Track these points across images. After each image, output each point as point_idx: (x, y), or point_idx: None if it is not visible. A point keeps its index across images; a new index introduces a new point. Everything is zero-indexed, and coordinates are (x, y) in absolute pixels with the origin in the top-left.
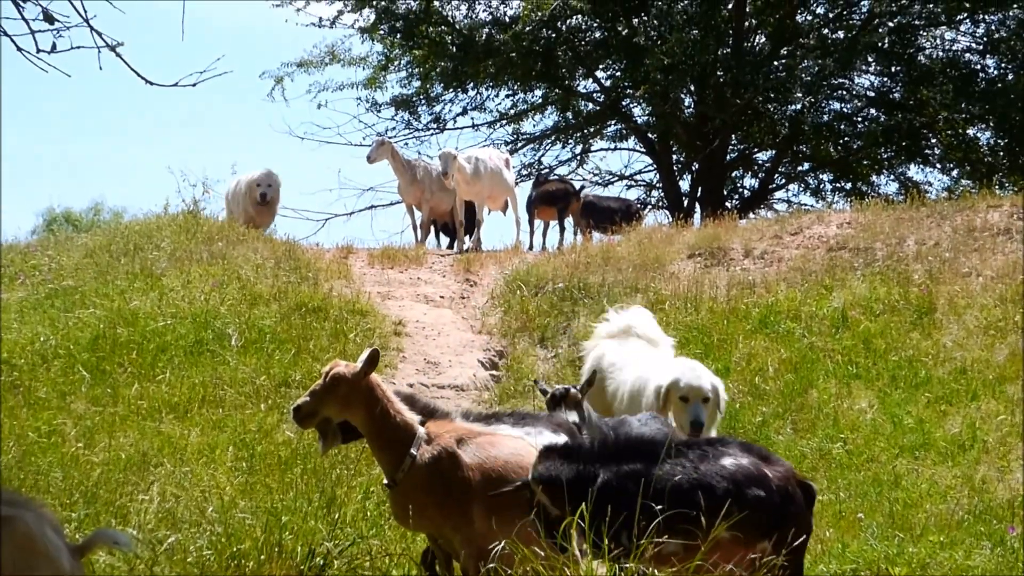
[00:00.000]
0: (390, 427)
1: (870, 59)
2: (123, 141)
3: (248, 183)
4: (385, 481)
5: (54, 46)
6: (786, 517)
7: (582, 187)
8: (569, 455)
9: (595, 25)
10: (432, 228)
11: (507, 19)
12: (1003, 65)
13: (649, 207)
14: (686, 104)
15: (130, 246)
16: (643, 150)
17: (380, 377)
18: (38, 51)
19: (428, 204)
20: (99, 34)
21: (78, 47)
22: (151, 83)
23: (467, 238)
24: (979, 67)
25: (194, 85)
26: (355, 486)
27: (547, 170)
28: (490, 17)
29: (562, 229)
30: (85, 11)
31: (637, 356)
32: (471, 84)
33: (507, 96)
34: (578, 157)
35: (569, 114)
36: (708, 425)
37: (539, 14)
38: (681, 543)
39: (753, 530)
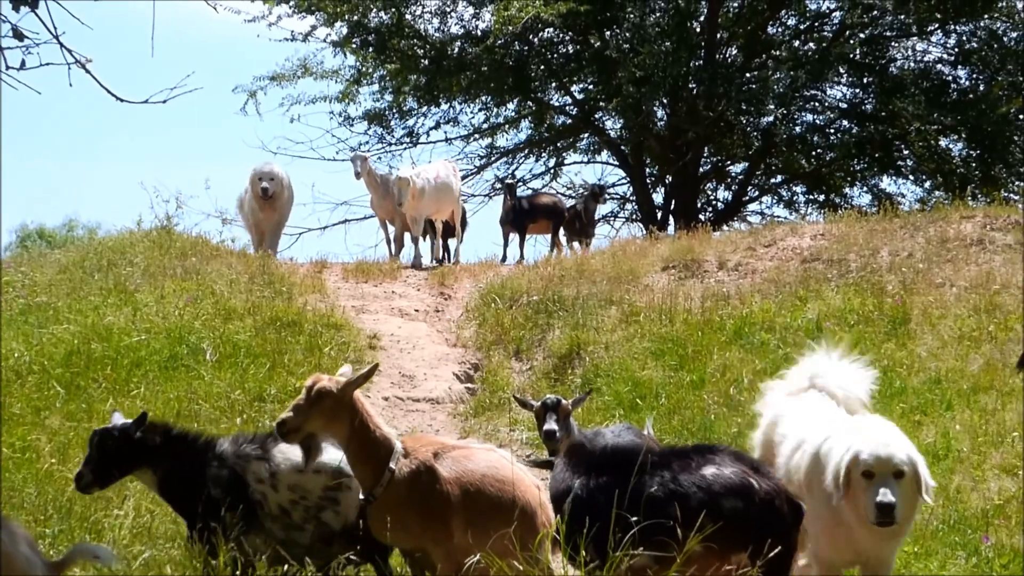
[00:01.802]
0: (370, 442)
1: (842, 71)
2: (96, 157)
3: (251, 177)
4: (361, 496)
5: (23, 63)
6: (768, 530)
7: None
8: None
9: (567, 38)
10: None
11: (479, 33)
12: (975, 76)
13: (605, 196)
14: (659, 117)
15: (103, 262)
16: (616, 163)
17: (358, 392)
18: (7, 68)
19: (400, 218)
20: (69, 51)
21: (48, 64)
22: (121, 100)
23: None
24: (951, 78)
25: (164, 102)
26: None
27: (516, 182)
28: (462, 31)
29: (556, 243)
30: (55, 27)
31: (817, 419)
32: (444, 98)
33: (480, 110)
34: (551, 170)
35: (542, 127)
36: (903, 508)
37: (511, 27)
38: (655, 555)
39: (729, 542)
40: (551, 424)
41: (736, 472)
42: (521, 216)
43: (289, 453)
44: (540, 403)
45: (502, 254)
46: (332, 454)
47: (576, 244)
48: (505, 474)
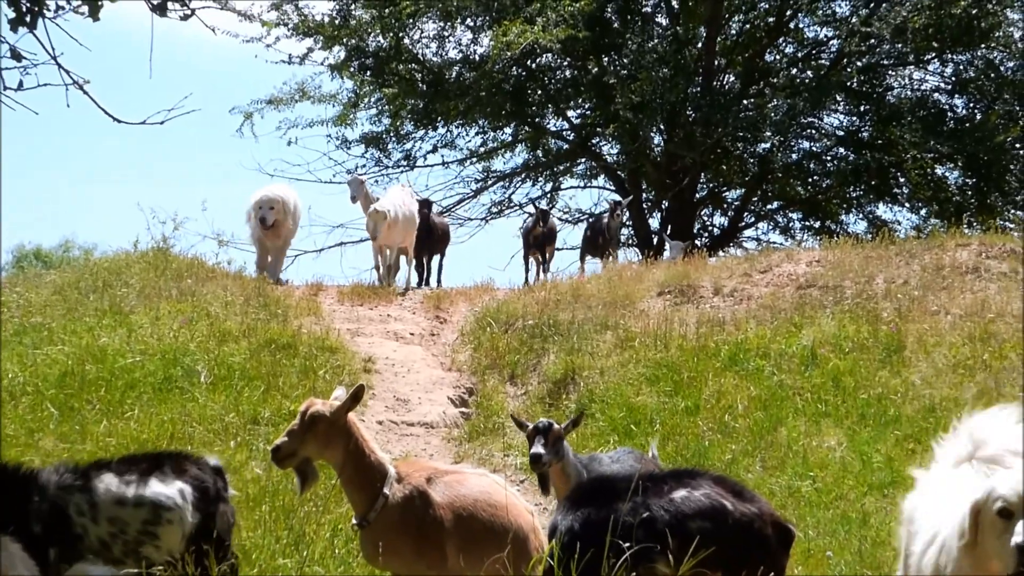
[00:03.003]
0: (365, 466)
1: (839, 98)
2: (93, 178)
3: (252, 207)
4: (355, 520)
5: (21, 83)
6: (745, 553)
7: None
8: None
9: (565, 63)
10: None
11: (477, 58)
12: (971, 105)
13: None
14: (656, 143)
15: (99, 283)
16: (613, 188)
17: (353, 415)
18: (5, 88)
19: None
20: (67, 71)
21: (46, 84)
22: (119, 120)
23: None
24: (947, 107)
25: (162, 123)
26: (324, 523)
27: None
28: (460, 56)
29: (547, 269)
30: (53, 48)
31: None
32: (441, 122)
33: (477, 134)
34: (548, 195)
35: (539, 152)
36: None
37: (509, 53)
38: None
39: (700, 564)
40: (537, 448)
41: (708, 495)
42: (544, 240)
43: (112, 485)
44: (532, 426)
45: (524, 277)
46: (153, 487)
47: (600, 259)
48: (498, 499)
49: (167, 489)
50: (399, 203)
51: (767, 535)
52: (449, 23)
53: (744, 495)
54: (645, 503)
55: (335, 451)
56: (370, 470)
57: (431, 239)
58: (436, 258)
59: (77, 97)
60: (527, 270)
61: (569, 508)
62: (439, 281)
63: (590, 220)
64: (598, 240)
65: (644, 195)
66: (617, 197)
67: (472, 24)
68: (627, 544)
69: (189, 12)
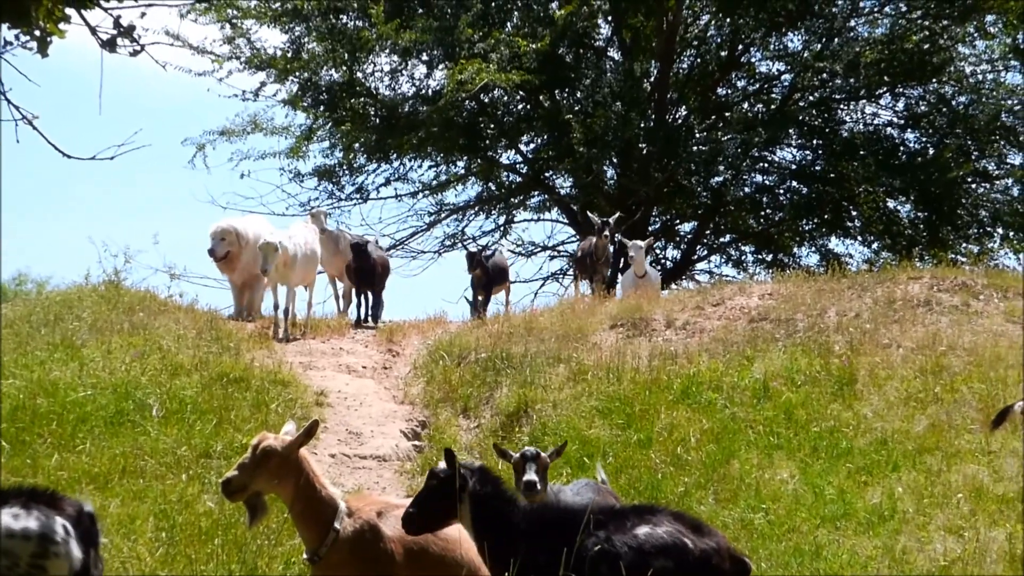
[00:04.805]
0: (315, 500)
1: (792, 132)
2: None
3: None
4: (306, 555)
5: None
6: None
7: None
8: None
9: (518, 98)
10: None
11: (430, 93)
12: (923, 139)
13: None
14: (609, 176)
15: (50, 316)
16: (566, 221)
17: (304, 450)
18: None
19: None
20: (16, 107)
21: None
22: (68, 156)
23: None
24: (900, 141)
25: (112, 158)
26: (276, 556)
27: (481, 251)
28: (413, 90)
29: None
30: (1, 83)
31: None
32: (394, 155)
33: (430, 167)
34: (501, 228)
35: (492, 185)
36: None
37: (463, 93)
38: None
39: None
40: (531, 475)
41: (670, 532)
42: (491, 282)
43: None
44: (519, 455)
45: (471, 315)
46: (38, 519)
47: (589, 283)
48: (450, 533)
49: (51, 523)
50: (300, 240)
51: (725, 569)
52: (403, 59)
53: (702, 530)
54: (608, 538)
55: (286, 486)
56: (320, 504)
57: (371, 275)
58: (371, 295)
59: (27, 132)
60: (473, 308)
61: (530, 534)
62: (376, 316)
63: (580, 242)
64: (586, 261)
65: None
66: (608, 219)
67: (427, 59)
68: None
69: (139, 48)
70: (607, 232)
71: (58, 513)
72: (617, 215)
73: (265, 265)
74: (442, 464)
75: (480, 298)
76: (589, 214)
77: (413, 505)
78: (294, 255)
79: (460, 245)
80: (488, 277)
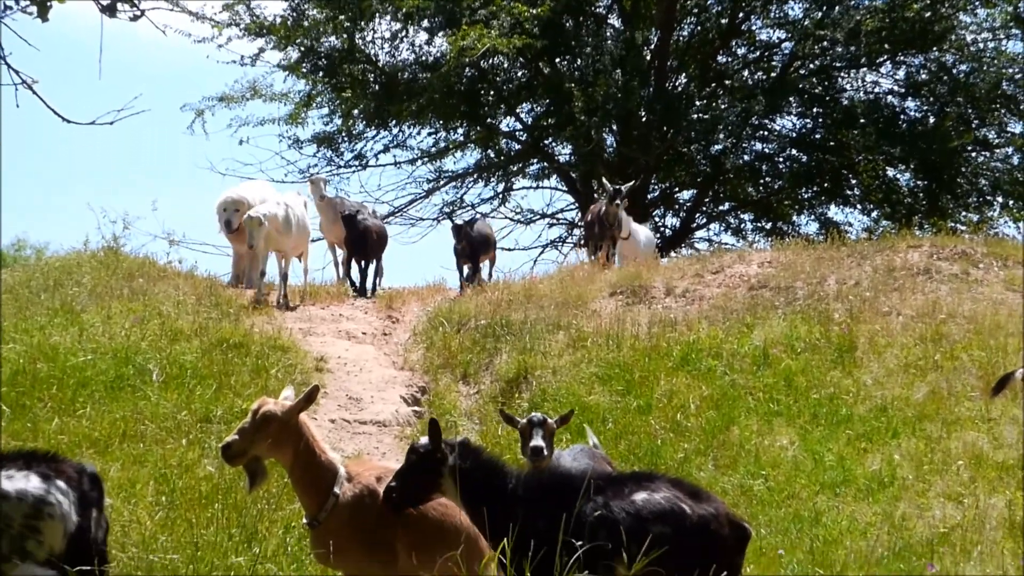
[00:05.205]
0: (315, 466)
1: (792, 101)
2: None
3: (216, 208)
4: (305, 520)
5: None
6: (704, 555)
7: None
8: (492, 486)
9: (518, 65)
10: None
11: (430, 59)
12: (923, 108)
13: None
14: (608, 144)
15: (50, 282)
16: (565, 189)
17: (304, 415)
18: None
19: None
20: (15, 71)
21: None
22: (68, 121)
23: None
24: (900, 110)
25: (111, 123)
26: (276, 521)
27: (468, 222)
28: (413, 57)
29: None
30: (1, 48)
31: None
32: (393, 122)
33: (429, 134)
34: (500, 195)
35: (491, 152)
36: None
37: (465, 58)
38: None
39: (657, 565)
40: (538, 440)
41: (668, 498)
42: (475, 251)
43: None
44: (526, 420)
45: (459, 285)
46: (33, 482)
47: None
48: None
49: (46, 485)
50: (285, 210)
51: (724, 535)
52: (405, 25)
53: (700, 496)
54: (607, 504)
55: (285, 451)
56: (320, 470)
57: (365, 244)
58: (373, 264)
59: (27, 97)
60: (462, 277)
61: (529, 500)
62: (375, 286)
63: (591, 207)
64: (595, 228)
65: (596, 195)
66: (620, 186)
67: (428, 25)
68: (581, 544)
69: (139, 13)
70: (619, 200)
71: (57, 476)
72: (632, 183)
73: (251, 240)
74: (424, 439)
75: (467, 268)
76: (603, 180)
77: (395, 479)
78: (286, 220)
79: (446, 218)
80: (472, 247)
